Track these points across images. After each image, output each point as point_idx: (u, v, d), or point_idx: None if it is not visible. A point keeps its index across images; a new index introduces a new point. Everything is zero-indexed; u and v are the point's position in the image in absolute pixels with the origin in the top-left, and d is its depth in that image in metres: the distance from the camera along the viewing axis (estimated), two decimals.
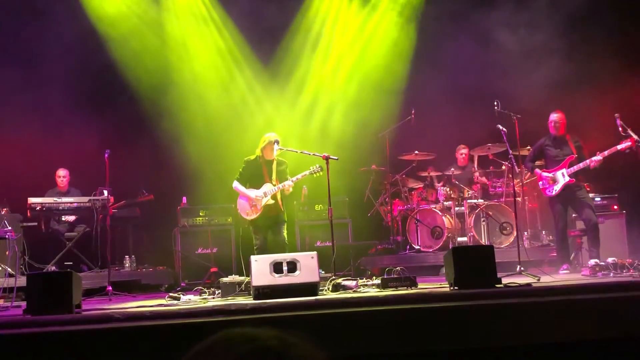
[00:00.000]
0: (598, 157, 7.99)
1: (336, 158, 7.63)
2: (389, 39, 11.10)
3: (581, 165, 8.10)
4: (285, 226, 8.15)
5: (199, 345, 0.94)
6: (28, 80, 9.76)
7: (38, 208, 9.46)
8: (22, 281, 7.23)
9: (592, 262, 7.42)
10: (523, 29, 9.93)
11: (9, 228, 7.78)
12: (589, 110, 9.02)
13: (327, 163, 7.48)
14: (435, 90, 10.04)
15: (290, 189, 7.93)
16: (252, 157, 8.12)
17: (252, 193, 7.94)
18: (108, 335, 4.59)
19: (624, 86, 9.35)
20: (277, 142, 7.93)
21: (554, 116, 8.39)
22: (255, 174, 8.03)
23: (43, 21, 9.76)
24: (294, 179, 7.88)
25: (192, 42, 10.97)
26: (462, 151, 10.45)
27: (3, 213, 9.18)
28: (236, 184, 8.05)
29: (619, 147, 7.90)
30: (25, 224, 9.46)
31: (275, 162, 8.01)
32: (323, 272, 6.95)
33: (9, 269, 8.45)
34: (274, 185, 7.91)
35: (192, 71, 10.78)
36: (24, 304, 5.83)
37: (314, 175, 7.80)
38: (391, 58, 10.92)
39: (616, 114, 7.99)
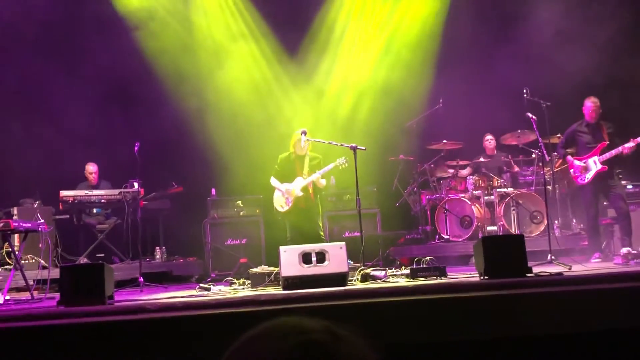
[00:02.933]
0: (631, 144, 7.87)
1: (364, 148, 7.64)
2: (416, 28, 11.00)
3: (613, 152, 7.97)
4: (320, 218, 8.33)
5: (247, 334, 0.93)
6: (58, 78, 9.86)
7: (70, 201, 9.60)
8: (55, 273, 7.35)
9: (625, 250, 7.34)
10: (555, 13, 9.72)
11: (42, 221, 7.89)
12: (622, 98, 8.89)
13: (355, 153, 7.49)
14: (463, 79, 9.93)
15: (324, 182, 8.11)
16: (286, 154, 8.40)
17: (284, 187, 8.20)
18: (140, 326, 4.63)
19: None
20: (305, 132, 8.06)
21: (591, 103, 8.21)
22: (289, 170, 8.29)
23: (77, 23, 9.83)
24: (320, 172, 8.01)
25: (219, 36, 11.00)
26: (488, 139, 10.37)
27: (35, 206, 9.33)
28: (272, 180, 8.37)
29: None
30: (57, 217, 9.63)
31: (307, 157, 8.18)
32: (352, 262, 6.97)
33: (42, 261, 8.58)
34: (305, 179, 8.05)
35: (219, 64, 10.79)
36: (57, 295, 5.93)
37: (340, 167, 7.90)
38: (418, 47, 10.82)
39: None
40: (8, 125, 9.13)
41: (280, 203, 8.24)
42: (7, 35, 9.59)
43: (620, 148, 7.93)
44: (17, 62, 9.68)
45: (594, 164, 8.10)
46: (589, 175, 8.13)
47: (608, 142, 8.09)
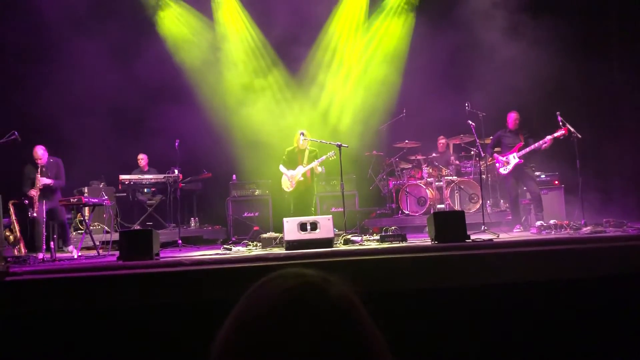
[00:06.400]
0: (548, 137, 7.84)
1: (346, 146, 7.62)
2: (387, 57, 10.97)
3: (527, 149, 8.03)
4: (314, 197, 8.30)
5: (261, 280, 0.93)
6: (121, 89, 9.74)
7: (127, 182, 9.56)
8: (115, 236, 7.33)
9: (538, 223, 7.37)
10: (492, 47, 9.60)
11: (106, 197, 7.88)
12: (536, 109, 8.90)
13: (340, 149, 7.48)
14: (421, 94, 9.88)
15: (319, 169, 8.09)
16: (291, 147, 8.32)
17: (289, 172, 8.15)
18: (179, 275, 4.64)
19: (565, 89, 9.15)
20: (303, 133, 8.07)
21: (513, 115, 8.29)
22: (293, 160, 8.23)
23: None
24: (316, 162, 7.99)
25: (241, 61, 10.96)
26: (441, 140, 10.36)
27: (101, 186, 9.28)
28: (281, 167, 8.27)
29: (556, 134, 7.80)
30: (117, 194, 9.58)
31: (307, 151, 8.16)
32: (337, 230, 6.97)
33: (106, 228, 8.56)
34: (304, 167, 8.03)
35: (240, 81, 10.75)
36: (117, 252, 5.92)
37: (330, 159, 7.90)
38: (388, 70, 10.78)
39: (557, 112, 7.90)
40: (84, 136, 9.02)
41: (287, 185, 8.20)
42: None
43: (540, 142, 7.93)
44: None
45: (513, 158, 8.14)
46: (510, 167, 8.17)
47: (523, 143, 8.14)
